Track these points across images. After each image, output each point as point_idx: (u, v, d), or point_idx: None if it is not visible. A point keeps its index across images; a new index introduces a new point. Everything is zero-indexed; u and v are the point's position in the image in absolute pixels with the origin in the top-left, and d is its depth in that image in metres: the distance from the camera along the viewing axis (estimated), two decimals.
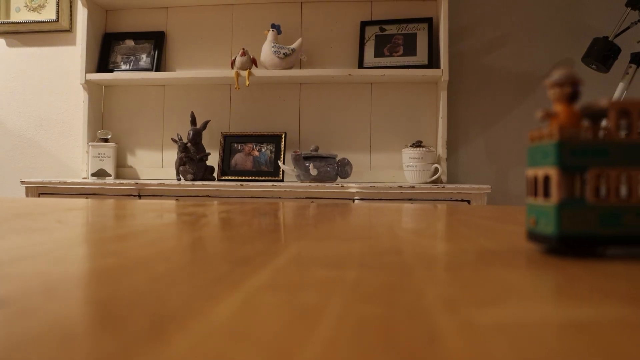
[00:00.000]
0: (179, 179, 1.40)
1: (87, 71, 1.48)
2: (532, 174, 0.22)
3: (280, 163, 1.39)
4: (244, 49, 1.43)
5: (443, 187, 1.20)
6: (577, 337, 0.11)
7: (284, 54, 1.40)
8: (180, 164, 1.39)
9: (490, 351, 0.10)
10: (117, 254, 0.20)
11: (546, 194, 0.21)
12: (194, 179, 1.37)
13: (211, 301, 0.13)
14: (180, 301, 0.13)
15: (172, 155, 1.53)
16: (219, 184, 1.29)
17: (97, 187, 1.31)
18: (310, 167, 1.28)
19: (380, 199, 1.20)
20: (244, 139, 1.49)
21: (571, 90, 0.21)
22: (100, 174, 1.46)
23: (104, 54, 1.54)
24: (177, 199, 1.17)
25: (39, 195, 1.34)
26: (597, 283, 0.16)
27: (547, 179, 0.21)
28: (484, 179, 1.45)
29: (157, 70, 1.51)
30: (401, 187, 1.21)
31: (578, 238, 0.20)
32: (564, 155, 0.20)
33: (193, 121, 1.40)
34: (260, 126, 1.52)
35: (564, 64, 1.44)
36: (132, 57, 1.53)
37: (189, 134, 1.39)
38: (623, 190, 0.21)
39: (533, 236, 0.22)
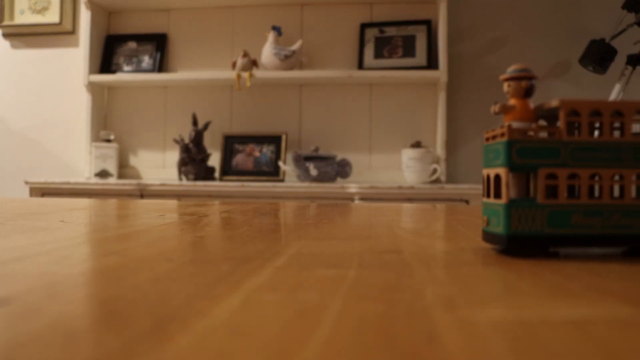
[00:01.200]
0: (181, 179, 1.40)
1: (90, 72, 1.49)
2: (485, 174, 0.22)
3: (280, 163, 1.39)
4: (245, 50, 1.44)
5: (442, 187, 1.20)
6: (574, 335, 0.11)
7: (284, 55, 1.41)
8: (182, 164, 1.39)
9: (489, 350, 0.10)
10: (120, 254, 0.20)
11: (497, 194, 0.21)
12: (195, 179, 1.37)
13: (212, 300, 0.13)
14: (181, 300, 0.13)
15: (174, 155, 1.54)
16: (220, 184, 1.29)
17: (100, 187, 1.32)
18: (310, 168, 1.28)
19: (379, 199, 1.20)
20: (245, 139, 1.49)
21: (526, 85, 0.21)
22: (103, 174, 1.47)
23: (107, 55, 1.55)
24: (178, 199, 1.17)
25: (43, 195, 1.34)
26: (594, 282, 0.16)
27: (498, 179, 0.21)
28: None
29: (159, 71, 1.52)
30: (400, 187, 1.21)
31: (526, 238, 0.20)
32: (512, 155, 0.20)
33: (195, 122, 1.41)
34: (261, 127, 1.52)
35: (561, 66, 1.44)
36: (135, 59, 1.54)
37: (190, 134, 1.39)
38: (573, 191, 0.21)
39: (486, 236, 0.22)
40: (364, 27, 1.50)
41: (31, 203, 0.50)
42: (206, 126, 1.43)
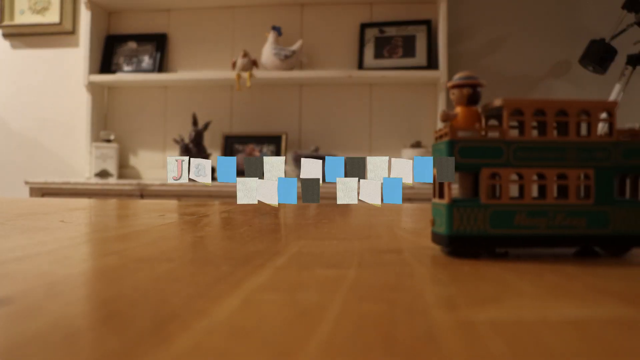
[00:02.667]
0: None
1: (90, 72, 1.49)
2: (434, 174, 0.22)
3: None
4: (245, 50, 1.44)
5: None
6: (574, 335, 0.11)
7: (284, 55, 1.41)
8: None
9: (489, 350, 0.10)
10: (120, 254, 0.20)
11: (442, 194, 0.21)
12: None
13: (212, 300, 0.13)
14: (182, 300, 0.13)
15: (174, 155, 1.54)
16: (220, 184, 1.29)
17: (100, 187, 1.32)
18: None
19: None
20: (245, 139, 1.50)
21: (470, 92, 0.21)
22: (103, 174, 1.47)
23: (107, 55, 1.55)
24: (178, 199, 1.17)
25: (43, 195, 1.34)
26: (593, 282, 0.16)
27: None
28: None
29: (160, 71, 1.52)
30: None
31: (469, 238, 0.20)
32: (454, 155, 0.20)
33: (195, 122, 1.41)
34: (261, 127, 1.52)
35: (561, 66, 1.44)
36: (135, 59, 1.54)
37: (190, 134, 1.39)
38: (516, 191, 0.20)
39: (433, 237, 0.21)
40: (364, 27, 1.50)
41: (31, 203, 0.50)
42: (206, 126, 1.43)
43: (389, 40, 1.48)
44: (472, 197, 0.21)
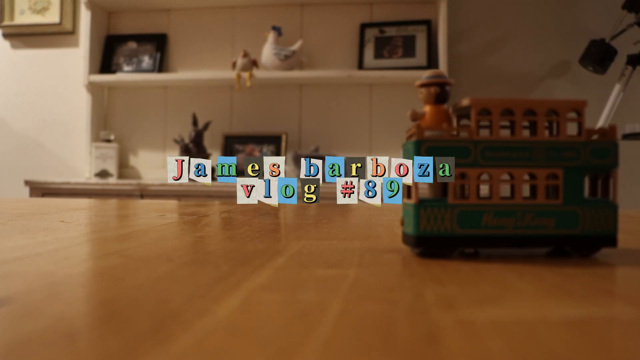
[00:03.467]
0: None
1: (90, 73, 1.48)
2: None
3: None
4: (245, 50, 1.44)
5: None
6: (574, 335, 0.11)
7: (284, 55, 1.41)
8: None
9: (489, 350, 0.10)
10: (120, 254, 0.20)
11: (410, 194, 0.21)
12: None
13: (212, 300, 0.13)
14: (182, 300, 0.13)
15: (174, 155, 1.54)
16: (220, 184, 1.29)
17: (100, 187, 1.32)
18: None
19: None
20: (245, 139, 1.49)
21: (438, 91, 0.21)
22: (103, 174, 1.47)
23: (107, 55, 1.55)
24: (178, 199, 1.17)
25: (43, 195, 1.34)
26: (594, 282, 0.16)
27: None
28: None
29: (159, 71, 1.51)
30: None
31: (436, 238, 0.20)
32: (422, 155, 0.20)
33: (195, 122, 1.41)
34: (261, 127, 1.52)
35: (561, 66, 1.44)
36: (135, 59, 1.54)
37: (190, 134, 1.39)
38: (485, 191, 0.20)
39: (403, 237, 0.21)
40: (364, 27, 1.50)
41: (31, 203, 0.50)
42: (206, 126, 1.43)
43: (389, 41, 1.48)
44: (442, 197, 0.21)
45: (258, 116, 1.55)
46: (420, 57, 1.44)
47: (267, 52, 1.43)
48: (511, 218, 0.20)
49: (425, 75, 0.22)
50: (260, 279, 0.16)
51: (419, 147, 0.20)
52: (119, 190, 1.31)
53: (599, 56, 1.20)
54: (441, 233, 0.20)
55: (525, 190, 0.20)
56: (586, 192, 0.21)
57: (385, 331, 0.11)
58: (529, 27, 1.47)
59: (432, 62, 1.43)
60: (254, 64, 1.45)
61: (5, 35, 1.64)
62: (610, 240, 0.20)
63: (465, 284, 0.16)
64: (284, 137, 1.48)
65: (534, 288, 0.15)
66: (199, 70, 1.55)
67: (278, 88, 1.54)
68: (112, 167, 1.49)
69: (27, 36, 1.63)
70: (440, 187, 0.21)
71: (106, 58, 1.56)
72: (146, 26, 1.59)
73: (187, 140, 1.40)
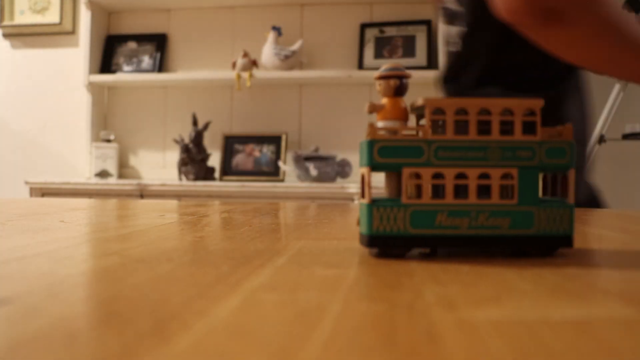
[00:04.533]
0: (181, 179, 1.40)
1: (90, 72, 1.49)
2: (360, 173, 0.22)
3: (280, 163, 1.39)
4: (245, 50, 1.44)
5: None
6: (574, 335, 0.11)
7: (284, 55, 1.41)
8: (182, 164, 1.39)
9: (489, 350, 0.10)
10: (120, 254, 0.20)
11: (364, 193, 0.20)
12: (195, 179, 1.37)
13: (212, 300, 0.13)
14: (182, 300, 0.13)
15: (174, 155, 1.54)
16: (220, 184, 1.29)
17: (100, 187, 1.32)
18: (310, 168, 1.28)
19: None
20: (245, 139, 1.50)
21: (397, 84, 0.21)
22: (103, 174, 1.47)
23: (107, 55, 1.55)
24: (178, 199, 1.17)
25: (43, 195, 1.34)
26: (594, 282, 0.16)
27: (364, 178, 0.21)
28: None
29: (160, 71, 1.52)
30: None
31: (389, 238, 0.20)
32: (374, 154, 0.20)
33: (195, 122, 1.41)
34: (261, 127, 1.52)
35: None
36: (135, 59, 1.54)
37: (190, 134, 1.39)
38: (438, 190, 0.20)
39: (360, 237, 0.21)
40: (364, 27, 1.50)
41: (31, 203, 0.50)
42: (206, 126, 1.43)
43: (389, 41, 1.48)
44: (398, 197, 0.21)
45: (258, 116, 1.55)
46: (420, 57, 1.44)
47: (267, 52, 1.43)
48: (465, 218, 0.20)
49: (383, 67, 0.22)
50: (260, 279, 0.16)
51: (372, 146, 0.20)
52: (119, 190, 1.31)
53: None
54: (394, 233, 0.20)
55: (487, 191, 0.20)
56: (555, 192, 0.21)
57: (385, 331, 0.11)
58: None
59: (432, 62, 1.43)
60: (254, 64, 1.45)
61: (5, 35, 1.64)
62: (566, 240, 0.20)
63: (465, 284, 0.16)
64: (284, 137, 1.48)
65: (534, 288, 0.15)
66: (199, 70, 1.55)
67: (278, 88, 1.54)
68: (112, 167, 1.49)
69: (27, 36, 1.63)
70: (396, 187, 0.21)
71: (106, 58, 1.56)
72: (146, 26, 1.59)
73: (187, 140, 1.40)
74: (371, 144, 0.20)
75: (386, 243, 0.20)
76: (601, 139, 1.20)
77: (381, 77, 0.22)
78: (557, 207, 0.20)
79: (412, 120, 0.22)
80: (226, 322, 0.11)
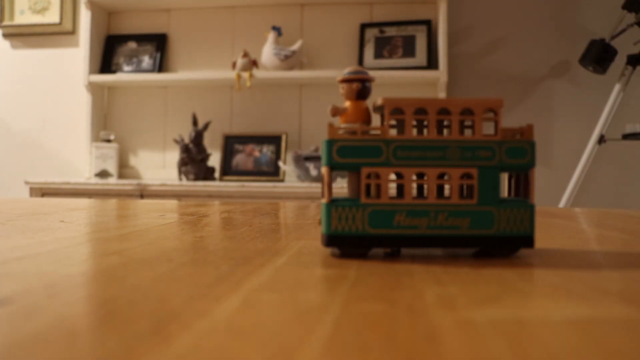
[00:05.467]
0: (181, 179, 1.40)
1: (90, 72, 1.49)
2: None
3: (280, 163, 1.39)
4: (245, 50, 1.44)
5: None
6: (574, 335, 0.11)
7: (284, 55, 1.41)
8: (182, 164, 1.39)
9: (489, 350, 0.10)
10: (120, 254, 0.20)
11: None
12: (195, 179, 1.37)
13: (212, 300, 0.13)
14: (182, 300, 0.13)
15: (174, 155, 1.54)
16: (220, 184, 1.29)
17: (100, 187, 1.32)
18: (310, 168, 1.28)
19: None
20: (245, 139, 1.50)
21: (359, 87, 0.21)
22: (103, 174, 1.47)
23: (107, 55, 1.55)
24: (178, 199, 1.17)
25: (43, 195, 1.34)
26: (594, 282, 0.16)
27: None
28: None
29: (160, 71, 1.52)
30: None
31: (347, 237, 0.20)
32: (333, 154, 0.20)
33: (195, 122, 1.41)
34: (261, 127, 1.52)
35: (561, 66, 1.44)
36: (135, 59, 1.54)
37: (190, 134, 1.39)
38: (397, 190, 0.20)
39: (321, 237, 0.21)
40: (364, 27, 1.50)
41: (31, 203, 0.50)
42: (206, 126, 1.43)
43: (389, 41, 1.48)
44: (359, 196, 0.20)
45: (258, 116, 1.55)
46: (420, 57, 1.44)
47: (267, 52, 1.43)
48: (424, 218, 0.20)
49: (346, 70, 0.22)
50: (260, 279, 0.16)
51: (331, 146, 0.20)
52: (119, 190, 1.31)
53: (599, 56, 1.20)
54: (352, 232, 0.20)
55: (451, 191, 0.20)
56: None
57: (385, 331, 0.11)
58: (529, 27, 1.47)
59: (432, 62, 1.43)
60: (254, 64, 1.45)
61: (5, 35, 1.64)
62: (527, 240, 0.20)
63: (465, 284, 0.16)
64: (284, 137, 1.48)
65: (534, 288, 0.15)
66: (199, 70, 1.55)
67: (278, 88, 1.54)
68: (112, 167, 1.48)
69: (27, 36, 1.63)
70: (357, 187, 0.21)
71: (106, 58, 1.56)
72: (146, 26, 1.59)
73: (187, 140, 1.40)
74: (330, 143, 0.20)
75: (345, 243, 0.20)
76: (601, 139, 1.20)
77: (343, 81, 0.22)
78: (518, 207, 0.20)
79: (377, 122, 0.22)
80: (226, 322, 0.11)
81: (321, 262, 0.19)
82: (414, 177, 0.21)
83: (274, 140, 1.49)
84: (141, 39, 1.57)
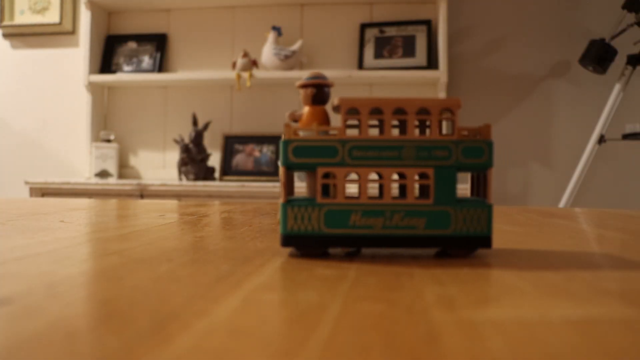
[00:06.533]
0: (181, 179, 1.40)
1: (90, 73, 1.49)
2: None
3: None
4: (245, 50, 1.44)
5: None
6: (574, 335, 0.11)
7: (284, 55, 1.41)
8: (182, 164, 1.39)
9: (489, 350, 0.10)
10: (120, 254, 0.20)
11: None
12: (195, 179, 1.37)
13: (212, 300, 0.13)
14: (182, 300, 0.13)
15: (174, 155, 1.54)
16: (220, 184, 1.29)
17: (100, 187, 1.32)
18: None
19: None
20: (245, 139, 1.50)
21: (314, 92, 0.21)
22: (103, 174, 1.47)
23: (107, 55, 1.55)
24: (178, 199, 1.17)
25: (43, 195, 1.34)
26: (594, 282, 0.16)
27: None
28: None
29: (160, 71, 1.52)
30: None
31: (303, 237, 0.20)
32: (289, 154, 0.20)
33: (195, 122, 1.41)
34: (261, 127, 1.52)
35: (561, 66, 1.44)
36: (135, 59, 1.54)
37: (190, 134, 1.39)
38: (354, 190, 0.20)
39: (279, 236, 0.21)
40: (364, 27, 1.50)
41: (31, 203, 0.50)
42: (206, 126, 1.43)
43: (389, 40, 1.48)
44: (312, 196, 0.21)
45: (258, 116, 1.55)
46: (420, 57, 1.44)
47: (267, 52, 1.43)
48: (379, 218, 0.20)
49: (305, 76, 0.22)
50: (260, 279, 0.16)
51: (287, 146, 0.20)
52: (119, 190, 1.31)
53: (599, 56, 1.20)
54: (308, 232, 0.20)
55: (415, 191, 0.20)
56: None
57: (385, 331, 0.11)
58: (529, 27, 1.47)
59: (432, 62, 1.43)
60: (254, 64, 1.45)
61: (5, 35, 1.64)
62: (485, 240, 0.20)
63: (465, 284, 0.16)
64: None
65: (534, 288, 0.15)
66: (199, 70, 1.55)
67: (278, 88, 1.54)
68: (112, 167, 1.48)
69: (27, 36, 1.63)
70: (311, 186, 0.21)
71: (106, 58, 1.56)
72: (146, 26, 1.59)
73: (187, 140, 1.40)
74: (286, 144, 0.20)
75: (301, 242, 0.20)
76: (601, 139, 1.20)
77: (300, 86, 0.22)
78: (475, 207, 0.20)
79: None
80: (226, 322, 0.11)
81: (321, 262, 0.19)
82: (377, 177, 0.20)
83: (274, 140, 1.49)
84: (141, 39, 1.57)
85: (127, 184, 1.31)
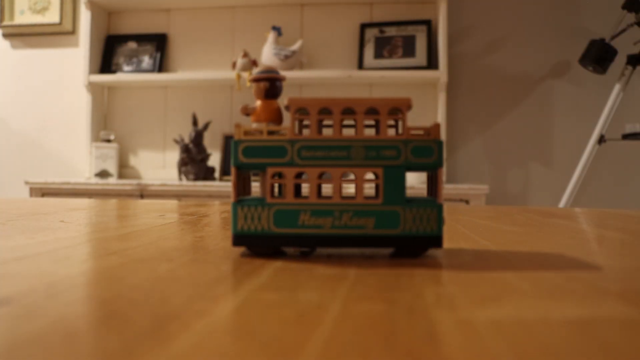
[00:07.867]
0: (181, 179, 1.40)
1: (90, 72, 1.49)
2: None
3: None
4: (245, 50, 1.44)
5: (442, 188, 1.20)
6: (574, 335, 0.11)
7: (284, 55, 1.41)
8: (182, 164, 1.39)
9: (489, 350, 0.10)
10: (120, 254, 0.20)
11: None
12: (195, 179, 1.37)
13: (212, 300, 0.13)
14: (182, 300, 0.13)
15: (174, 155, 1.54)
16: (220, 184, 1.29)
17: (100, 187, 1.32)
18: None
19: None
20: None
21: (267, 86, 0.21)
22: (103, 174, 1.47)
23: (107, 55, 1.55)
24: (178, 199, 1.17)
25: (43, 195, 1.34)
26: (594, 282, 0.16)
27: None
28: (483, 179, 1.45)
29: (160, 71, 1.52)
30: None
31: (253, 237, 0.20)
32: (239, 154, 0.20)
33: (195, 122, 1.41)
34: None
35: (561, 66, 1.44)
36: (135, 59, 1.54)
37: (190, 134, 1.39)
38: (305, 190, 0.20)
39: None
40: (364, 27, 1.50)
41: (31, 203, 0.50)
42: (206, 126, 1.43)
43: (389, 41, 1.48)
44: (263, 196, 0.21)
45: None
46: (420, 57, 1.44)
47: (267, 52, 1.43)
48: (328, 217, 0.20)
49: (256, 70, 0.22)
50: (260, 279, 0.16)
51: (237, 147, 0.20)
52: (119, 190, 1.31)
53: (599, 56, 1.20)
54: (258, 232, 0.20)
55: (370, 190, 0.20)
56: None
57: (385, 331, 0.11)
58: (529, 27, 1.47)
59: (432, 62, 1.43)
60: (254, 64, 1.45)
61: (5, 35, 1.63)
62: (435, 240, 0.20)
63: (465, 284, 0.16)
64: None
65: (534, 288, 0.15)
66: (199, 70, 1.55)
67: None
68: (112, 167, 1.48)
69: (27, 36, 1.63)
70: (263, 186, 0.21)
71: (106, 58, 1.56)
72: (146, 26, 1.58)
73: (187, 140, 1.40)
74: (236, 144, 0.20)
75: (251, 242, 0.20)
76: (601, 139, 1.20)
77: (253, 80, 0.22)
78: (425, 206, 0.20)
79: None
80: (226, 322, 0.11)
81: (321, 262, 0.19)
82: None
83: None
84: (141, 39, 1.57)
85: (127, 184, 1.31)
